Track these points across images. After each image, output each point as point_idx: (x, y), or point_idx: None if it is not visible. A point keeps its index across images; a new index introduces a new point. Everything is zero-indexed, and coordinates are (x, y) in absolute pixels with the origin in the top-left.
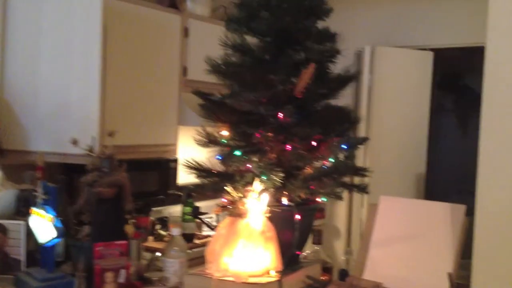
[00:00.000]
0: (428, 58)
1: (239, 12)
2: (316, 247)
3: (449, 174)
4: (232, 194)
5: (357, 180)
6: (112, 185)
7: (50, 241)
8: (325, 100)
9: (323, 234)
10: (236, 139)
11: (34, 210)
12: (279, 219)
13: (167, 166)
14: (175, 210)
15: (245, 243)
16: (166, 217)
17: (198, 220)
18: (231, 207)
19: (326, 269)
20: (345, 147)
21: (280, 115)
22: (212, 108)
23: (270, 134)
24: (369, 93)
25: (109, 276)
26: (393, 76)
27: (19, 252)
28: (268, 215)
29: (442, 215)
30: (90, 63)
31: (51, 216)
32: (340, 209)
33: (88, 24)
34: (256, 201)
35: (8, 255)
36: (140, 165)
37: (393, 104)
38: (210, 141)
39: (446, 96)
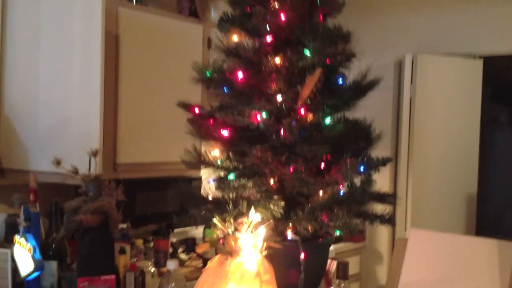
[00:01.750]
0: (477, 67)
1: (233, 10)
2: (342, 283)
3: (503, 194)
4: (221, 227)
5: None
6: (96, 212)
7: (29, 274)
8: (338, 113)
9: (348, 266)
10: (230, 160)
11: (16, 238)
12: (282, 258)
13: (190, 185)
14: (200, 231)
15: None
16: (188, 239)
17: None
18: (220, 243)
19: None
20: (362, 169)
21: (282, 131)
22: (202, 123)
23: (269, 153)
24: (411, 106)
25: None
26: (437, 86)
27: (6, 284)
28: (265, 252)
29: (487, 254)
30: (90, 77)
31: (30, 246)
32: (382, 230)
33: (88, 37)
34: (251, 235)
35: None
36: (160, 184)
37: (439, 117)
38: (201, 162)
39: (499, 108)
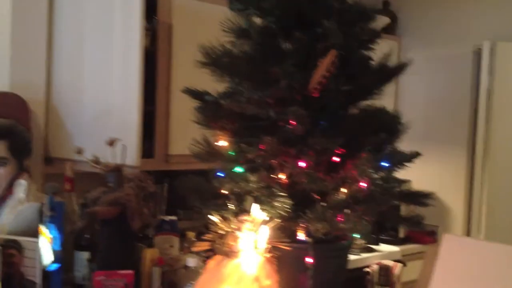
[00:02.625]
0: None
1: None
2: None
3: None
4: (219, 225)
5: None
6: (113, 203)
7: (49, 265)
8: (357, 101)
9: (399, 274)
10: (240, 152)
11: (41, 228)
12: (290, 261)
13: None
14: None
15: None
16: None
17: None
18: (217, 243)
19: None
20: (385, 165)
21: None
22: (209, 112)
23: (277, 145)
24: (488, 98)
25: None
26: None
27: (35, 273)
28: (268, 255)
29: None
30: (130, 69)
31: (51, 237)
32: (457, 231)
33: (128, 27)
34: (253, 235)
35: (24, 276)
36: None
37: None
38: (210, 153)
39: None
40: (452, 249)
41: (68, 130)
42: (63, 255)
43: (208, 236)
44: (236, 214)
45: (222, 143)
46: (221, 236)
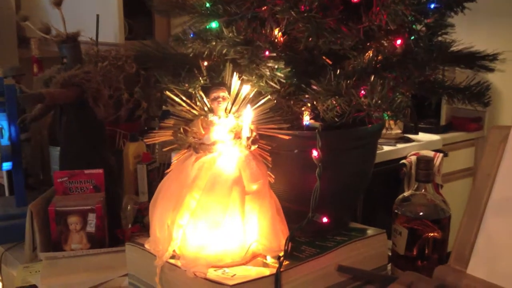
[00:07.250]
0: None
1: None
2: (423, 187)
3: None
4: (183, 106)
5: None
6: (67, 84)
7: (2, 164)
8: None
9: (439, 165)
10: (214, 2)
11: None
12: (291, 156)
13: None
14: None
15: (205, 202)
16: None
17: None
18: (181, 132)
19: (439, 222)
20: (433, 6)
21: None
22: None
23: None
24: None
25: (73, 221)
26: None
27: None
28: (254, 147)
29: None
30: None
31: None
32: (506, 114)
33: None
34: (232, 120)
35: None
36: None
37: None
38: (175, 4)
39: None
40: None
41: (43, 6)
42: (31, 151)
43: (168, 123)
44: (208, 89)
45: None
46: (186, 123)
